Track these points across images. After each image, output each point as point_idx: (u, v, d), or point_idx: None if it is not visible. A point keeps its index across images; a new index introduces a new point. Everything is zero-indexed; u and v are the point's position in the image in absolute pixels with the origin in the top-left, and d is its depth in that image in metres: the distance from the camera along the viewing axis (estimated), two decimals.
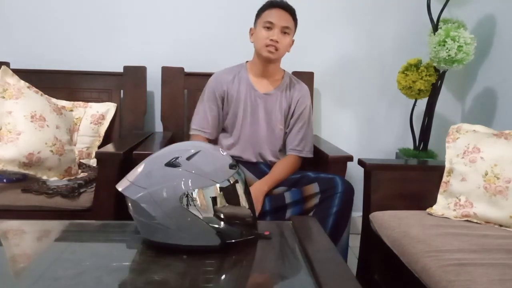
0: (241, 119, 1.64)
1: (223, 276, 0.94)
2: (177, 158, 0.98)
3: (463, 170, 1.44)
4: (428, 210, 1.49)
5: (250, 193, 1.06)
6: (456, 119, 2.37)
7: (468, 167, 1.43)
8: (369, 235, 1.53)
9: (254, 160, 1.66)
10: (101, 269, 0.92)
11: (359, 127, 2.39)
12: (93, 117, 1.96)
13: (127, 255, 1.03)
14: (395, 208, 1.51)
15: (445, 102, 2.30)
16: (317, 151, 1.71)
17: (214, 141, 1.69)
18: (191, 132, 1.68)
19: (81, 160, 1.86)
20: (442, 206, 1.48)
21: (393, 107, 2.36)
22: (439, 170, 1.56)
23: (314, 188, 1.45)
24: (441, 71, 2.05)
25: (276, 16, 1.55)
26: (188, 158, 0.98)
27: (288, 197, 1.48)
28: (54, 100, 1.85)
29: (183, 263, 0.94)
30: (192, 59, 2.17)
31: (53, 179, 1.62)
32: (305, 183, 1.49)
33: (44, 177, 1.62)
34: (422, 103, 2.16)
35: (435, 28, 2.01)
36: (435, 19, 2.03)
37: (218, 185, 0.97)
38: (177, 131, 2.09)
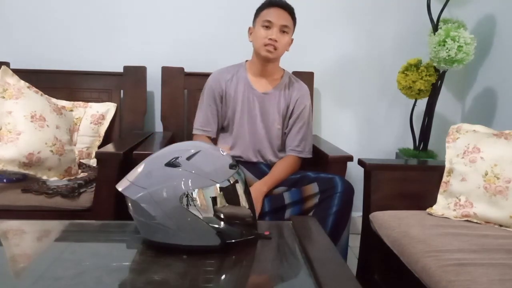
0: (239, 118, 1.64)
1: (223, 276, 0.94)
2: (177, 158, 0.98)
3: (463, 170, 1.44)
4: (428, 210, 1.49)
5: (250, 193, 1.06)
6: (456, 119, 2.37)
7: (468, 167, 1.43)
8: (369, 235, 1.53)
9: (254, 159, 1.66)
10: (101, 269, 0.92)
11: (359, 127, 2.39)
12: (93, 117, 1.96)
13: (127, 255, 1.03)
14: (395, 208, 1.51)
15: (445, 102, 2.30)
16: (317, 151, 1.71)
17: (215, 139, 1.70)
18: (194, 132, 1.69)
19: (81, 160, 1.86)
20: (442, 206, 1.48)
21: (393, 107, 2.36)
22: (439, 170, 1.56)
23: (313, 188, 1.45)
24: (441, 71, 2.05)
25: (274, 15, 1.54)
26: (188, 158, 0.98)
27: (287, 198, 1.48)
28: (54, 100, 1.85)
29: (183, 263, 0.94)
30: (192, 59, 2.17)
31: (53, 179, 1.62)
32: (304, 183, 1.49)
33: (44, 177, 1.62)
34: (422, 103, 2.16)
35: (435, 28, 2.01)
36: (435, 19, 2.03)
37: (218, 185, 0.97)
38: (177, 131, 2.09)
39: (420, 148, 2.17)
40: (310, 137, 1.69)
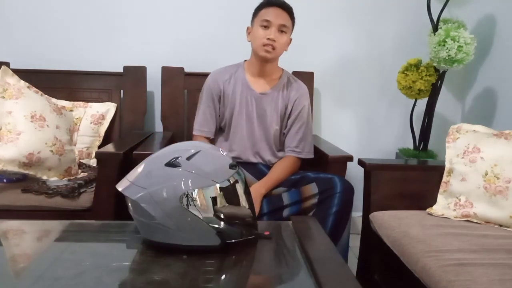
0: (237, 119, 1.64)
1: (223, 276, 0.94)
2: (177, 158, 0.98)
3: (463, 170, 1.44)
4: (428, 210, 1.49)
5: (250, 193, 1.07)
6: (456, 119, 2.37)
7: (468, 167, 1.43)
8: (369, 235, 1.53)
9: (253, 160, 1.66)
10: (101, 269, 0.92)
11: (359, 127, 2.39)
12: (93, 117, 1.96)
13: (127, 255, 1.03)
14: (395, 208, 1.51)
15: (445, 102, 2.30)
16: (317, 151, 1.71)
17: (213, 140, 1.70)
18: (194, 133, 1.69)
19: (81, 160, 1.86)
20: (442, 206, 1.48)
21: (393, 107, 2.36)
22: (439, 170, 1.56)
23: (312, 188, 1.45)
24: (441, 71, 2.05)
25: (273, 14, 1.54)
26: (188, 158, 0.98)
27: (286, 199, 1.48)
28: (54, 100, 1.85)
29: (183, 263, 0.94)
30: (192, 59, 2.17)
31: (53, 179, 1.62)
32: (304, 183, 1.49)
33: (44, 177, 1.62)
34: (422, 103, 2.16)
35: (435, 28, 2.01)
36: (435, 19, 2.03)
37: (218, 185, 0.97)
38: (177, 131, 2.09)
39: (420, 148, 2.17)
40: (309, 137, 1.68)
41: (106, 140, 1.97)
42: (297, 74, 1.95)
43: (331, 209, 1.40)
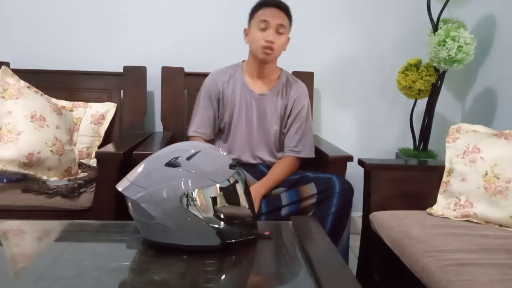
0: (236, 121, 1.63)
1: (223, 276, 0.94)
2: (177, 158, 0.98)
3: (463, 170, 1.44)
4: (428, 210, 1.49)
5: (250, 193, 1.06)
6: (456, 119, 2.37)
7: (468, 167, 1.43)
8: (369, 235, 1.53)
9: (253, 161, 1.65)
10: (101, 269, 0.92)
11: (359, 127, 2.39)
12: (93, 117, 1.96)
13: (127, 255, 1.03)
14: (395, 208, 1.51)
15: (445, 102, 2.30)
16: (317, 151, 1.70)
17: (212, 142, 1.69)
18: (190, 134, 1.67)
19: (81, 160, 1.86)
20: (442, 206, 1.48)
21: (393, 107, 2.36)
22: (439, 170, 1.56)
23: (311, 188, 1.45)
24: (441, 71, 2.05)
25: (270, 15, 1.52)
26: (188, 158, 0.98)
27: (284, 199, 1.48)
28: (54, 100, 1.85)
29: (183, 263, 0.94)
30: (192, 59, 2.17)
31: (53, 179, 1.62)
32: (302, 183, 1.49)
33: (44, 177, 1.62)
34: (422, 103, 2.16)
35: (435, 28, 2.01)
36: (435, 19, 2.03)
37: (218, 185, 0.97)
38: (177, 131, 2.09)
39: (420, 148, 2.17)
40: (309, 136, 1.67)
41: (106, 140, 1.97)
42: (297, 74, 1.95)
43: (330, 209, 1.40)
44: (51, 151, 1.62)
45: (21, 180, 1.63)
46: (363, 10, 2.27)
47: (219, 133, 1.71)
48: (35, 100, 1.70)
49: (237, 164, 1.05)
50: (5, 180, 1.62)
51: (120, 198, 1.02)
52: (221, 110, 1.66)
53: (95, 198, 1.52)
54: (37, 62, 2.09)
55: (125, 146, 1.64)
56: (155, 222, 0.95)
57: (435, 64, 1.97)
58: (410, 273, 1.16)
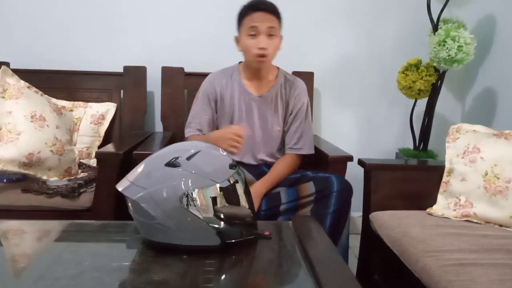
0: (237, 124, 1.61)
1: (223, 276, 0.94)
2: (177, 158, 0.98)
3: (463, 170, 1.44)
4: (428, 210, 1.49)
5: (250, 193, 1.07)
6: (456, 119, 2.37)
7: (468, 167, 1.43)
8: (369, 235, 1.53)
9: (254, 163, 1.65)
10: (101, 269, 0.92)
11: (359, 127, 2.39)
12: (93, 117, 1.96)
13: (127, 255, 1.03)
14: (395, 208, 1.51)
15: (445, 102, 2.30)
16: (317, 151, 1.70)
17: None
18: (188, 134, 1.65)
19: (81, 160, 1.86)
20: (442, 206, 1.48)
21: (393, 107, 2.36)
22: (439, 170, 1.56)
23: (310, 187, 1.45)
24: (441, 71, 2.05)
25: (258, 20, 1.48)
26: (188, 158, 0.98)
27: (284, 197, 1.48)
28: (54, 100, 1.85)
29: (183, 263, 0.94)
30: (192, 59, 2.17)
31: (53, 179, 1.62)
32: (302, 182, 1.49)
33: (44, 177, 1.62)
34: (422, 103, 2.16)
35: (435, 28, 2.01)
36: (435, 19, 2.03)
37: (218, 185, 0.97)
38: (177, 131, 2.09)
39: (420, 148, 2.17)
40: (309, 133, 1.67)
41: (106, 140, 1.97)
42: (297, 74, 1.94)
43: (328, 209, 1.40)
44: (51, 151, 1.62)
45: (21, 180, 1.63)
46: (363, 10, 2.27)
47: None
48: (35, 100, 1.70)
49: (237, 164, 1.05)
50: (5, 180, 1.62)
51: (120, 198, 1.02)
52: (219, 112, 1.64)
53: (95, 198, 1.52)
54: (37, 62, 2.09)
55: (125, 146, 1.64)
56: (155, 222, 0.95)
57: (435, 64, 1.97)
58: (410, 273, 1.16)
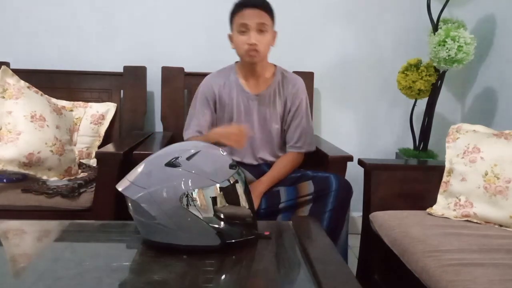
0: (236, 124, 1.62)
1: (223, 276, 0.94)
2: (177, 158, 0.98)
3: (463, 170, 1.44)
4: (428, 210, 1.49)
5: (250, 193, 1.07)
6: (456, 119, 2.37)
7: (468, 167, 1.43)
8: (369, 235, 1.53)
9: (255, 163, 1.65)
10: (101, 269, 0.92)
11: (359, 127, 2.39)
12: (93, 117, 1.96)
13: (127, 255, 1.03)
14: (395, 208, 1.51)
15: (445, 102, 2.30)
16: (317, 151, 1.70)
17: None
18: (186, 137, 1.64)
19: (81, 160, 1.86)
20: (442, 206, 1.48)
21: (393, 107, 2.36)
22: (439, 170, 1.56)
23: (309, 187, 1.46)
24: (441, 71, 2.05)
25: (247, 16, 1.48)
26: (188, 158, 0.98)
27: (283, 196, 1.48)
28: (54, 100, 1.85)
29: (183, 263, 0.94)
30: (192, 59, 2.17)
31: (53, 179, 1.63)
32: (301, 181, 1.50)
33: (44, 177, 1.62)
34: (422, 103, 2.16)
35: (435, 28, 2.01)
36: (435, 19, 2.03)
37: (218, 185, 0.97)
38: (177, 131, 2.08)
39: (420, 148, 2.17)
40: (310, 130, 1.66)
41: (106, 140, 1.97)
42: (297, 74, 1.93)
43: (326, 207, 1.40)
44: (51, 151, 1.62)
45: (21, 180, 1.63)
46: (363, 10, 2.27)
47: None
48: (35, 100, 1.70)
49: (237, 164, 1.05)
50: (5, 180, 1.62)
51: (120, 198, 1.02)
52: (219, 113, 1.63)
53: (95, 198, 1.52)
54: (37, 62, 2.09)
55: (125, 146, 1.64)
56: (155, 222, 0.95)
57: (435, 64, 1.97)
58: (410, 273, 1.16)
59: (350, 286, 0.83)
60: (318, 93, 2.32)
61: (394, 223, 1.38)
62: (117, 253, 1.06)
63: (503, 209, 1.34)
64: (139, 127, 2.09)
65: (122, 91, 2.10)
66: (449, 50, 1.86)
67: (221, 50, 2.21)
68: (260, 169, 1.63)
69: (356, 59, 2.31)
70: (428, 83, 2.01)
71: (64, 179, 1.64)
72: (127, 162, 1.47)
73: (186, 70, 2.12)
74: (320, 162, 1.65)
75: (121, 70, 2.09)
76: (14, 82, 1.71)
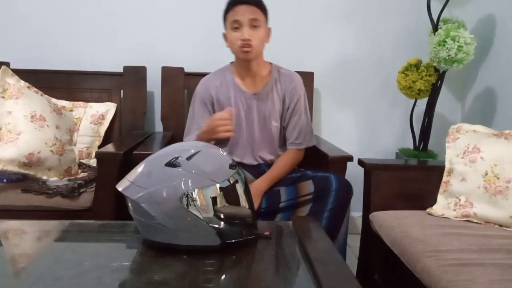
0: (236, 125, 1.60)
1: (223, 276, 0.94)
2: (177, 158, 0.98)
3: (463, 170, 1.44)
4: (428, 210, 1.49)
5: (250, 193, 1.07)
6: (456, 119, 2.37)
7: (468, 167, 1.43)
8: (369, 235, 1.53)
9: (255, 163, 1.64)
10: (101, 269, 0.92)
11: (359, 127, 2.39)
12: (93, 117, 1.96)
13: (127, 255, 1.03)
14: (395, 208, 1.51)
15: (445, 102, 2.30)
16: (317, 151, 1.70)
17: None
18: (188, 139, 1.64)
19: (81, 160, 1.86)
20: (442, 206, 1.48)
21: (393, 107, 2.36)
22: (439, 170, 1.56)
23: (309, 186, 1.46)
24: (441, 71, 2.05)
25: (239, 13, 1.49)
26: (188, 158, 0.98)
27: (283, 195, 1.48)
28: (54, 100, 1.85)
29: (183, 263, 0.94)
30: (192, 59, 2.17)
31: (53, 179, 1.63)
32: (301, 181, 1.50)
33: (44, 177, 1.62)
34: (422, 103, 2.16)
35: (435, 28, 2.01)
36: (435, 19, 2.03)
37: (218, 185, 0.97)
38: (177, 131, 2.08)
39: (420, 148, 2.17)
40: (309, 126, 1.65)
41: (106, 140, 1.97)
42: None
43: (326, 207, 1.40)
44: (51, 151, 1.62)
45: (21, 180, 1.63)
46: (363, 10, 2.27)
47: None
48: (35, 100, 1.70)
49: (237, 164, 1.05)
50: (5, 180, 1.62)
51: (120, 198, 1.02)
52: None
53: (95, 198, 1.52)
54: (37, 62, 2.09)
55: (125, 146, 1.64)
56: (155, 222, 0.95)
57: (435, 64, 1.97)
58: (410, 273, 1.16)
59: (350, 286, 0.83)
60: (318, 93, 2.32)
61: (394, 223, 1.38)
62: (117, 253, 1.06)
63: (503, 209, 1.34)
64: (139, 127, 2.09)
65: (122, 91, 2.10)
66: (449, 50, 1.86)
67: (221, 50, 2.20)
68: (260, 169, 1.63)
69: (356, 59, 2.31)
70: (428, 83, 2.01)
71: (64, 179, 1.64)
72: (127, 162, 1.47)
73: (186, 70, 2.12)
74: (320, 162, 1.65)
75: (121, 70, 2.09)
76: (14, 82, 1.71)
